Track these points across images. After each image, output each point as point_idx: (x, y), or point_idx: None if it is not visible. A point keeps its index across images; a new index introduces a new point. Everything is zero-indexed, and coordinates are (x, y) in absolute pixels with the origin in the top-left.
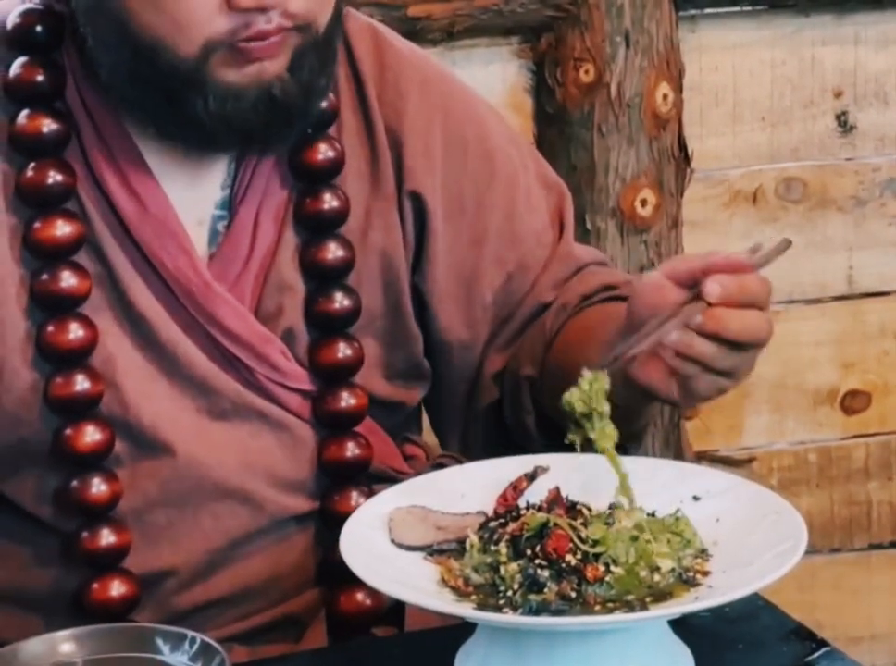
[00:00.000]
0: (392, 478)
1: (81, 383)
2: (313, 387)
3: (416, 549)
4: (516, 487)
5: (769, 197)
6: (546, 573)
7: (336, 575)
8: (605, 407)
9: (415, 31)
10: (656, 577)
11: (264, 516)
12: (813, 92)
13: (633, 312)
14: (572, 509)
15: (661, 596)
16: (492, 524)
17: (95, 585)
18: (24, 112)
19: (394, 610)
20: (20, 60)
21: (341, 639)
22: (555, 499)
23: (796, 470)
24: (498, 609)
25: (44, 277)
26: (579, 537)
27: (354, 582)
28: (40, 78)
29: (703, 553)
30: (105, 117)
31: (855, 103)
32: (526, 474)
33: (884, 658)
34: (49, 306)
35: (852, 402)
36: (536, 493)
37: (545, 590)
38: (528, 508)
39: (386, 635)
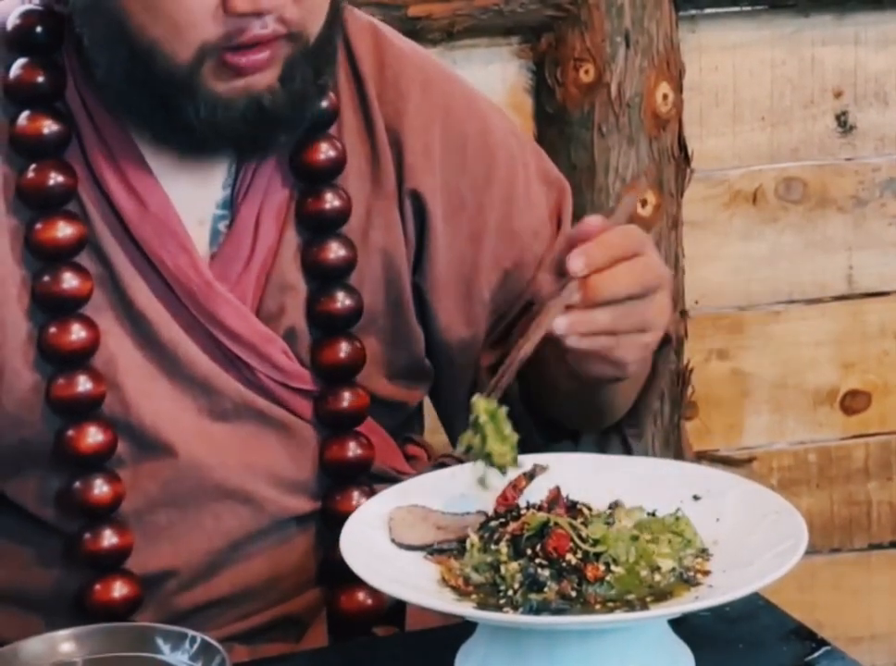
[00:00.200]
0: (393, 478)
1: (83, 384)
2: (315, 386)
3: (416, 549)
4: (516, 486)
5: (769, 197)
6: (546, 573)
7: (337, 575)
8: (507, 429)
9: (415, 31)
10: (657, 577)
11: (265, 516)
12: (813, 92)
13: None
14: (572, 508)
15: (661, 595)
16: (493, 523)
17: (97, 587)
18: (24, 113)
19: (395, 609)
20: (21, 61)
21: (341, 639)
22: (556, 499)
23: (796, 470)
24: (498, 608)
25: (46, 278)
26: (580, 537)
27: (355, 582)
28: (40, 79)
29: (703, 553)
30: (106, 118)
31: (855, 103)
32: (525, 473)
33: (884, 658)
34: (51, 307)
35: (852, 402)
36: (536, 493)
37: (546, 589)
38: (528, 507)
39: (386, 635)
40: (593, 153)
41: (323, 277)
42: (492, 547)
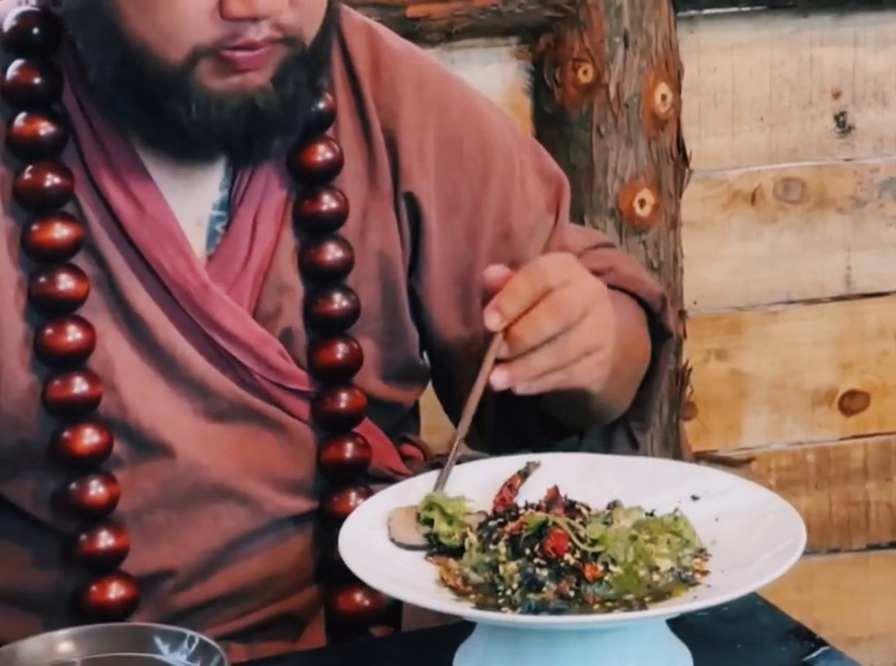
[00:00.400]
0: (389, 478)
1: (79, 385)
2: (311, 387)
3: (416, 549)
4: (511, 486)
5: (768, 197)
6: (545, 573)
7: (334, 575)
8: (450, 509)
9: (413, 32)
10: (655, 577)
11: (263, 516)
12: (811, 92)
13: None
14: (571, 508)
15: (660, 595)
16: (491, 523)
17: (94, 588)
18: (21, 115)
19: (392, 609)
20: (17, 63)
21: (339, 639)
22: (554, 499)
23: (794, 470)
24: (497, 608)
25: (42, 279)
26: (578, 537)
27: (353, 582)
28: (37, 80)
29: (701, 553)
30: (102, 120)
31: (854, 103)
32: (519, 472)
33: (883, 658)
34: (47, 309)
35: (851, 403)
36: (535, 492)
37: (544, 589)
38: (526, 507)
39: (384, 635)
40: (592, 153)
41: (320, 279)
42: (491, 547)
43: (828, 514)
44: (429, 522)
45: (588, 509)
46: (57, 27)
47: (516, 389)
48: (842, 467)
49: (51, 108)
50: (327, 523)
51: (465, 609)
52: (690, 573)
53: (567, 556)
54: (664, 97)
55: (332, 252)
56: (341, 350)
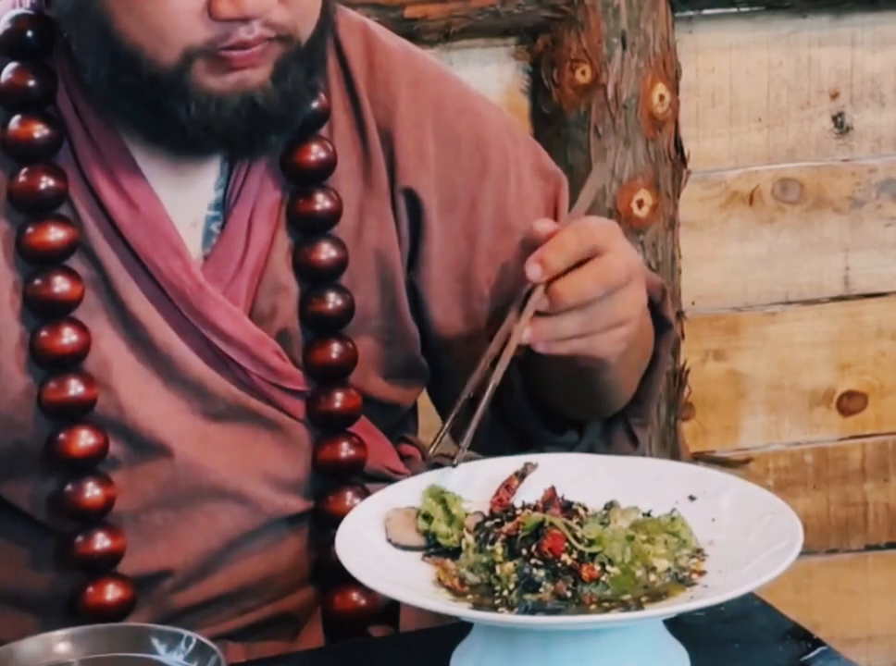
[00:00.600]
0: (387, 478)
1: (75, 388)
2: (307, 387)
3: (413, 549)
4: (509, 487)
5: (766, 198)
6: (542, 573)
7: (331, 575)
8: (454, 509)
9: (411, 32)
10: (652, 577)
11: (260, 516)
12: (809, 93)
13: None
14: (568, 508)
15: (657, 595)
16: (488, 523)
17: (90, 590)
18: (16, 117)
19: (389, 609)
20: (11, 66)
21: (336, 638)
22: (551, 499)
23: (793, 471)
24: (494, 608)
25: (37, 282)
26: (575, 537)
27: (350, 582)
28: (31, 83)
29: (698, 553)
30: (96, 122)
31: (852, 104)
32: (516, 473)
33: (881, 658)
34: (42, 311)
35: (849, 403)
36: (532, 493)
37: (541, 590)
38: (523, 507)
39: (382, 636)
40: (590, 153)
41: (315, 278)
42: (488, 547)
43: (826, 515)
44: (428, 518)
45: (585, 509)
46: (51, 29)
47: (537, 348)
48: (840, 468)
49: (45, 111)
50: (323, 523)
51: (462, 609)
52: (686, 574)
53: (564, 556)
54: (661, 98)
55: (326, 252)
56: (336, 349)
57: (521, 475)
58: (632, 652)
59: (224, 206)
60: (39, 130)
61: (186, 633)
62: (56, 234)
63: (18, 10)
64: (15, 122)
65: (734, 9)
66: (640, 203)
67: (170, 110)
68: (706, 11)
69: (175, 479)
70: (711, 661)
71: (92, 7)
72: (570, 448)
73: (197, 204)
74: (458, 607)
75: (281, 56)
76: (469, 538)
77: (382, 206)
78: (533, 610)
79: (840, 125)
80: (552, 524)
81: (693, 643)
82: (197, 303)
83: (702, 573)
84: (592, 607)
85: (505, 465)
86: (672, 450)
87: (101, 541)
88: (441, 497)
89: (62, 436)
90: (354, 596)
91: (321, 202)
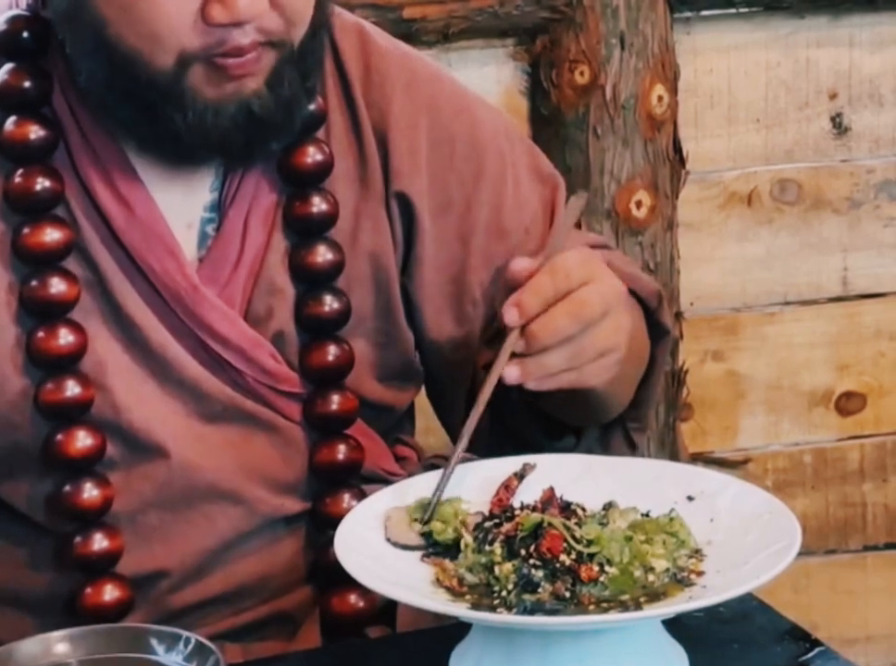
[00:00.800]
0: (383, 479)
1: (72, 388)
2: (303, 389)
3: (413, 549)
4: (508, 487)
5: (764, 199)
6: (540, 573)
7: (328, 576)
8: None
9: (410, 33)
10: (650, 577)
11: (256, 517)
12: (807, 93)
13: None
14: (566, 509)
15: (655, 596)
16: (487, 524)
17: (89, 590)
18: (11, 119)
19: (386, 610)
20: (7, 66)
21: (334, 639)
22: (550, 500)
23: (791, 471)
24: (492, 609)
25: (34, 283)
26: (574, 537)
27: (347, 583)
28: (27, 84)
29: (697, 553)
30: (92, 123)
31: (850, 104)
32: (515, 474)
33: (880, 659)
34: (38, 312)
35: (848, 404)
36: (530, 493)
37: (539, 590)
38: (522, 508)
39: (380, 636)
40: (588, 154)
41: (311, 281)
42: (486, 547)
43: (825, 515)
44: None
45: (583, 509)
46: (47, 30)
47: (527, 385)
48: (839, 468)
49: (41, 112)
50: (320, 524)
51: (460, 609)
52: (685, 574)
53: (563, 557)
54: (660, 98)
55: (323, 254)
56: (332, 352)
57: (520, 476)
58: (631, 652)
59: (220, 208)
60: (35, 131)
61: (185, 633)
62: (51, 235)
63: (15, 11)
64: (10, 123)
65: (732, 10)
66: (639, 204)
67: (167, 117)
68: (705, 12)
69: (171, 480)
70: (709, 662)
71: (85, 11)
72: (567, 452)
73: (193, 206)
74: (457, 607)
75: (276, 62)
76: (468, 538)
77: (377, 209)
78: (532, 611)
79: (839, 126)
80: (550, 524)
81: (692, 643)
82: (192, 305)
83: (700, 573)
84: (591, 607)
85: (504, 466)
86: (671, 450)
87: (99, 542)
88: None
89: (59, 436)
90: (352, 597)
91: (318, 204)
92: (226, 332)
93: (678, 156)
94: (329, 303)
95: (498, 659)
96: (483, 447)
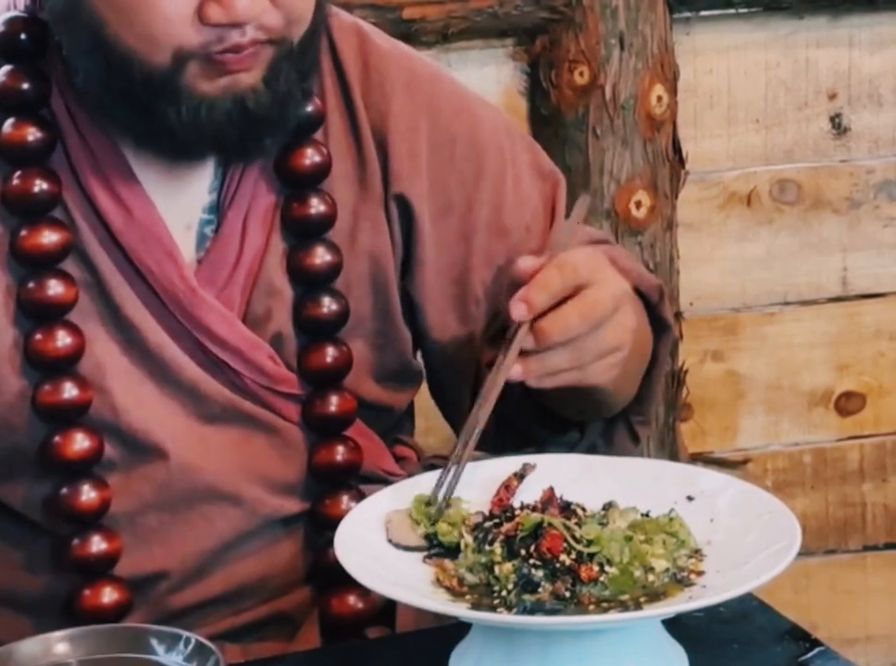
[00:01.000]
0: (383, 480)
1: (69, 390)
2: (302, 391)
3: (415, 550)
4: (508, 488)
5: (764, 199)
6: (540, 573)
7: (328, 577)
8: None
9: (409, 34)
10: (650, 577)
11: (256, 518)
12: (807, 94)
13: None
14: (566, 509)
15: (655, 596)
16: (487, 524)
17: (87, 592)
18: (9, 121)
19: (386, 610)
20: (5, 68)
21: (333, 640)
22: (550, 500)
23: (791, 471)
24: (493, 608)
25: (31, 285)
26: (574, 537)
27: (346, 584)
28: (25, 86)
29: (697, 553)
30: (90, 125)
31: (849, 104)
32: (515, 474)
33: (880, 659)
34: (36, 314)
35: (847, 404)
36: (530, 493)
37: (539, 590)
38: (522, 508)
39: (380, 637)
40: (588, 155)
41: (309, 282)
42: (486, 547)
43: (825, 515)
44: (420, 522)
45: (583, 509)
46: (45, 32)
47: (529, 383)
48: (839, 468)
49: (39, 114)
50: (319, 525)
51: (460, 609)
52: (685, 574)
53: (563, 556)
54: (660, 99)
55: (321, 256)
56: (330, 353)
57: (520, 476)
58: (631, 652)
59: (218, 210)
60: (32, 133)
61: (185, 633)
62: (49, 237)
63: (12, 13)
64: (8, 125)
65: (732, 10)
66: (639, 204)
67: (161, 113)
68: (704, 12)
69: (170, 481)
70: (709, 661)
71: (83, 12)
72: (571, 447)
73: (191, 207)
74: (457, 607)
75: (274, 59)
76: (468, 539)
77: (376, 211)
78: (532, 611)
79: (838, 126)
80: (550, 524)
81: (692, 643)
82: (190, 307)
83: (700, 573)
84: (591, 607)
85: (504, 466)
86: (670, 450)
87: (97, 544)
88: (427, 503)
89: (57, 438)
90: (352, 598)
91: (316, 206)
92: (224, 334)
93: (677, 156)
94: (328, 305)
95: (498, 659)
96: (487, 443)
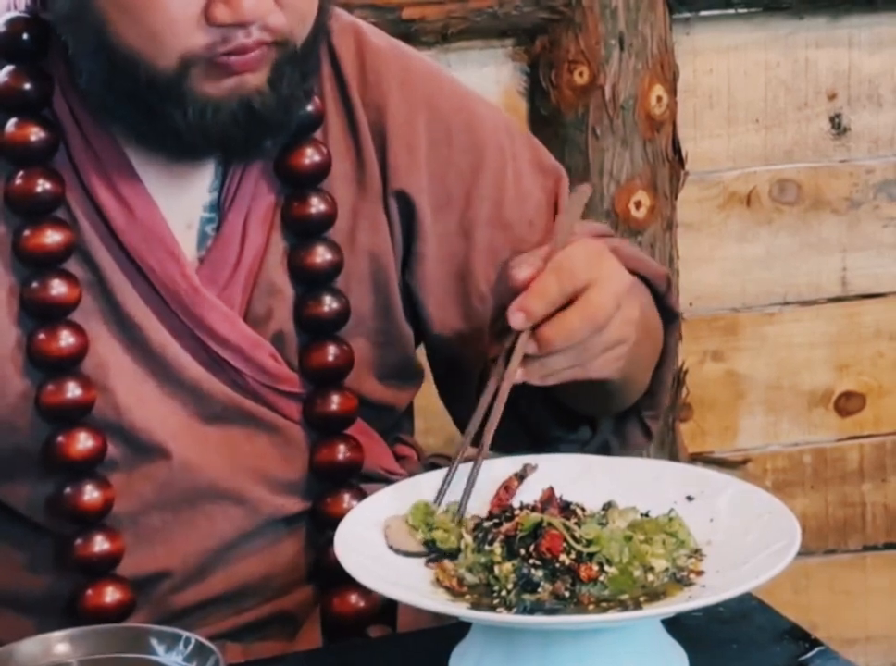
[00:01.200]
0: (383, 479)
1: (73, 390)
2: (303, 389)
3: (415, 556)
4: (508, 488)
5: (763, 199)
6: (540, 573)
7: (329, 577)
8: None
9: (409, 34)
10: (650, 577)
11: (258, 517)
12: (807, 94)
13: None
14: (566, 509)
15: (655, 595)
16: (486, 524)
17: (90, 592)
18: (12, 121)
19: (387, 609)
20: (7, 68)
21: (335, 639)
22: (549, 499)
23: (791, 471)
24: (492, 608)
25: (34, 285)
26: (573, 537)
27: (347, 583)
28: (27, 86)
29: (696, 553)
30: (92, 125)
31: (849, 105)
32: (516, 474)
33: (879, 659)
34: (39, 314)
35: (847, 404)
36: (530, 493)
37: (539, 590)
38: (522, 508)
39: (381, 636)
40: (588, 155)
41: (310, 281)
42: (486, 547)
43: (825, 515)
44: (419, 528)
45: (583, 509)
46: (47, 32)
47: (530, 382)
48: (838, 468)
49: (42, 114)
50: (320, 524)
51: (460, 609)
52: (685, 574)
53: (563, 556)
54: (659, 99)
55: (322, 255)
56: (332, 352)
57: (520, 477)
58: (630, 652)
59: (219, 208)
60: (35, 133)
61: (185, 633)
62: (52, 237)
63: (14, 13)
64: (11, 125)
65: (731, 10)
66: (638, 205)
67: (166, 115)
68: (704, 12)
69: (172, 481)
70: (709, 661)
71: (87, 12)
72: (583, 444)
73: (192, 206)
74: (457, 607)
75: (278, 60)
76: (468, 539)
77: (376, 209)
78: (532, 610)
79: (838, 126)
80: (550, 524)
81: (691, 643)
82: (192, 306)
83: (700, 573)
84: (591, 607)
85: (504, 466)
86: (670, 450)
87: (100, 543)
88: (425, 510)
89: (60, 438)
90: (353, 597)
91: (316, 205)
92: (226, 333)
93: (677, 157)
94: (329, 304)
95: (498, 659)
96: (497, 442)
